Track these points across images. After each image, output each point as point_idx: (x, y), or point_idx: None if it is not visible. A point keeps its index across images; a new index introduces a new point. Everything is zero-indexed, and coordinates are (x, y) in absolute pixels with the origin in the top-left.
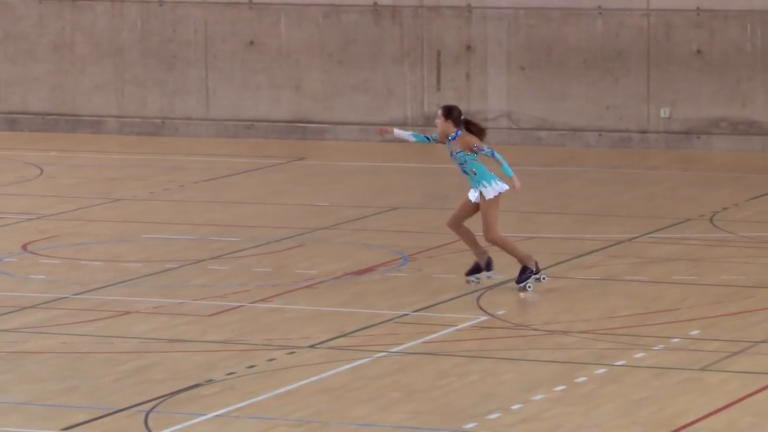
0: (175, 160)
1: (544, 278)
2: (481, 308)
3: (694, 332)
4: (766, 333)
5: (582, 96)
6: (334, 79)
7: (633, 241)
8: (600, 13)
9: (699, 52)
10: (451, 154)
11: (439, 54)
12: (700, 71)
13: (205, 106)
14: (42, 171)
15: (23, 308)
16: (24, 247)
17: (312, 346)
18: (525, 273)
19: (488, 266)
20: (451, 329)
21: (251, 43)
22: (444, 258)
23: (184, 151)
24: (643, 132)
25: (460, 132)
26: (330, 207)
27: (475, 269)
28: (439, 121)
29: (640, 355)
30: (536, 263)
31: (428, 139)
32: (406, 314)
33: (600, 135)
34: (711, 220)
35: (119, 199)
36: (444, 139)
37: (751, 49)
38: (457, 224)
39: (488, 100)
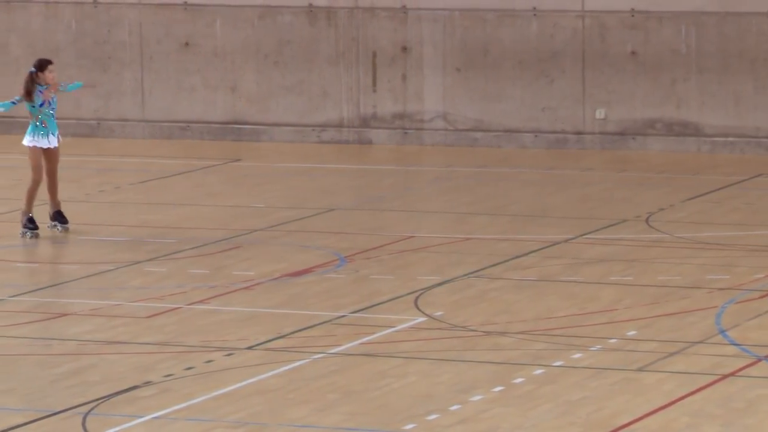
0: (110, 162)
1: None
2: (418, 309)
3: (631, 333)
4: (702, 333)
5: (517, 97)
6: (270, 80)
7: (569, 242)
8: (535, 15)
9: (634, 53)
10: (43, 104)
11: (374, 55)
12: (635, 72)
13: (140, 108)
14: None
15: None
16: None
17: (250, 348)
18: (25, 226)
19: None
20: (388, 330)
21: (186, 44)
22: (381, 259)
23: (119, 152)
24: (579, 133)
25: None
26: (266, 208)
27: (55, 218)
28: (54, 74)
29: (577, 355)
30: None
31: (14, 103)
32: (344, 315)
33: (536, 136)
34: (646, 220)
35: None
36: (31, 94)
37: (685, 50)
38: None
39: (424, 102)
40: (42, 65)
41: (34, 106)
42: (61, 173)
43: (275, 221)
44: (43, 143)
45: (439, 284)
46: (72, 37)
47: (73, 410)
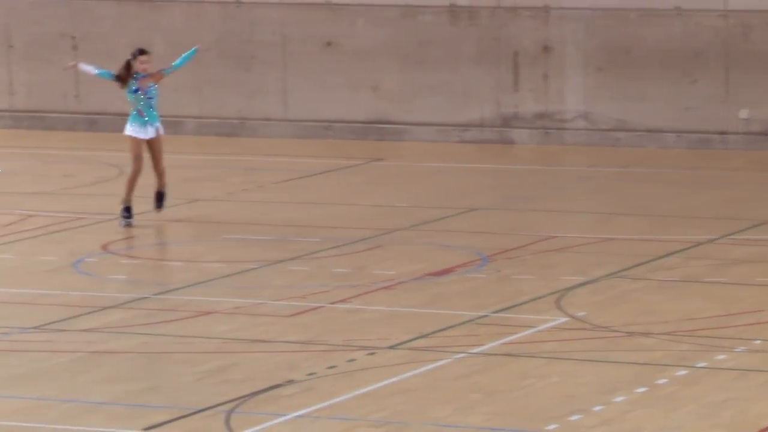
0: (254, 161)
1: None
2: (561, 309)
3: None
4: None
5: (660, 97)
6: (411, 79)
7: (713, 243)
8: (678, 14)
9: None
10: (137, 91)
11: (516, 55)
12: None
13: (283, 107)
14: (121, 171)
15: (103, 308)
16: (104, 248)
17: (392, 347)
18: (126, 211)
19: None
20: (531, 330)
21: (328, 43)
22: (523, 259)
23: (263, 151)
24: (722, 133)
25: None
26: (408, 208)
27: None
28: (148, 64)
29: (721, 356)
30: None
31: (111, 75)
32: (486, 315)
33: (678, 136)
34: None
35: (198, 200)
36: (128, 79)
37: None
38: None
39: (566, 101)
40: (135, 54)
41: (129, 92)
42: (205, 172)
43: (417, 221)
44: (141, 134)
45: (582, 284)
46: (215, 37)
47: (217, 408)
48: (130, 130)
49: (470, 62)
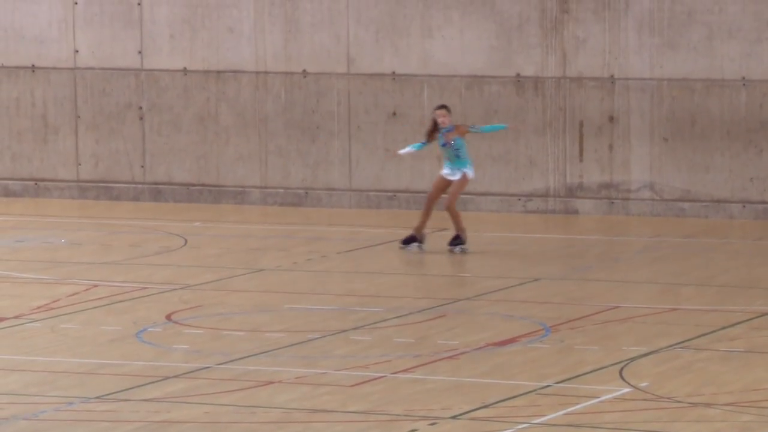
0: (318, 231)
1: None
2: (624, 380)
3: None
4: None
5: (725, 167)
6: (476, 149)
7: None
8: (744, 84)
9: None
10: (445, 144)
11: (581, 125)
12: None
13: (347, 177)
14: (186, 241)
15: (166, 378)
16: (168, 317)
17: (454, 417)
18: (456, 240)
19: (420, 240)
20: (593, 401)
21: (394, 114)
22: (586, 329)
23: (327, 221)
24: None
25: (453, 124)
26: (471, 277)
27: (410, 239)
28: (446, 117)
29: None
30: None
31: (422, 144)
32: (548, 385)
33: (744, 207)
34: None
35: (262, 269)
36: (434, 135)
37: None
38: (436, 198)
39: (631, 172)
40: (435, 109)
41: (440, 145)
42: (269, 242)
43: (480, 290)
44: (450, 176)
45: (645, 355)
46: (281, 107)
47: None
48: (444, 171)
49: (535, 132)
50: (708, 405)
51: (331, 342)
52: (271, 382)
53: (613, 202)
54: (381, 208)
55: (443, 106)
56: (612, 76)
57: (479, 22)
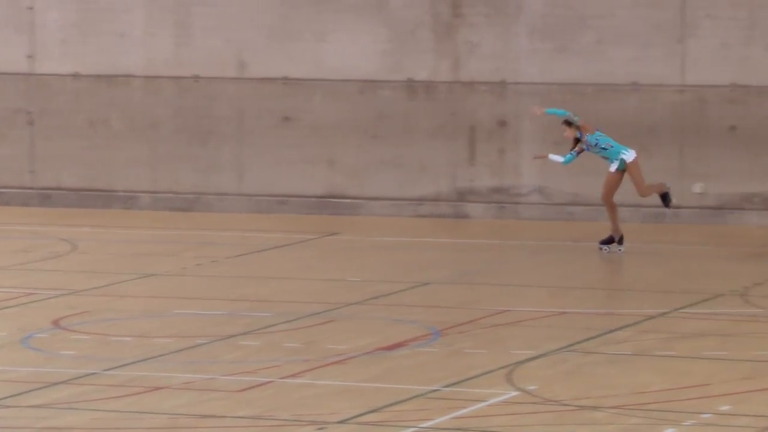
0: (208, 236)
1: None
2: (511, 383)
3: (725, 408)
4: None
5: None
6: (368, 154)
7: (664, 316)
8: (634, 89)
9: (733, 127)
10: (588, 149)
11: (472, 129)
12: (734, 147)
13: (238, 182)
14: (75, 246)
15: (53, 384)
16: (55, 323)
17: (341, 422)
18: (665, 198)
19: (620, 241)
20: (481, 404)
21: (285, 118)
22: (475, 333)
23: (217, 226)
24: (676, 207)
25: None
26: (361, 282)
27: (609, 240)
28: (567, 132)
29: (670, 430)
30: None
31: (573, 156)
32: (436, 389)
33: (632, 210)
34: (743, 295)
35: (151, 275)
36: (580, 144)
37: None
38: (609, 198)
39: (521, 176)
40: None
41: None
42: (159, 247)
43: (370, 295)
44: (612, 168)
45: (533, 358)
46: (172, 112)
47: None
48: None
49: (427, 137)
50: (595, 408)
51: (219, 347)
52: (159, 388)
53: (503, 206)
54: (272, 213)
55: (564, 122)
56: (503, 80)
57: (372, 26)
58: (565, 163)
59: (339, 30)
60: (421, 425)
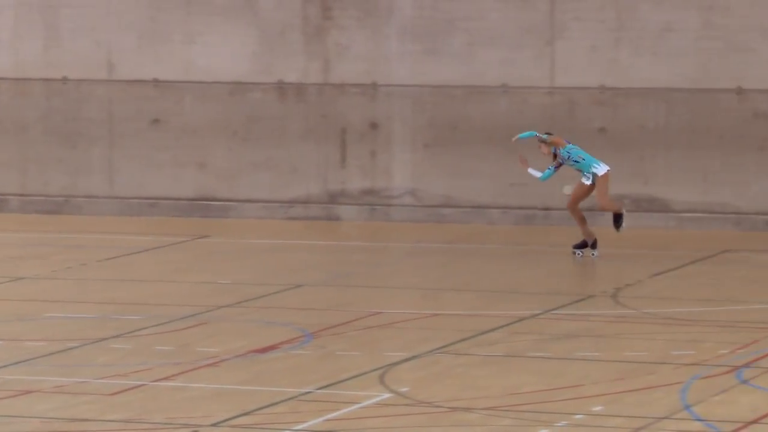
0: (78, 239)
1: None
2: (384, 385)
3: (597, 408)
4: (667, 409)
5: (486, 173)
6: (239, 156)
7: (536, 318)
8: (504, 91)
9: (602, 129)
10: (562, 163)
11: (343, 131)
12: (604, 148)
13: (108, 184)
14: None
15: None
16: None
17: (214, 425)
18: (617, 218)
19: (593, 245)
20: (354, 407)
21: (156, 120)
22: (348, 335)
23: (87, 229)
24: (547, 209)
25: (554, 147)
26: (233, 285)
27: (582, 245)
28: (543, 148)
29: (543, 431)
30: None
31: (552, 171)
32: (309, 392)
33: (504, 212)
34: (614, 296)
35: (21, 278)
36: (557, 160)
37: (653, 126)
38: (574, 206)
39: (393, 178)
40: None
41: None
42: (28, 250)
43: (242, 297)
44: (586, 181)
45: (406, 360)
46: (41, 114)
47: None
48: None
49: (298, 139)
50: (467, 409)
51: (90, 350)
52: (30, 392)
53: (375, 209)
54: (142, 216)
55: (538, 140)
56: (374, 82)
57: (242, 28)
58: (543, 179)
59: (208, 32)
60: (294, 428)
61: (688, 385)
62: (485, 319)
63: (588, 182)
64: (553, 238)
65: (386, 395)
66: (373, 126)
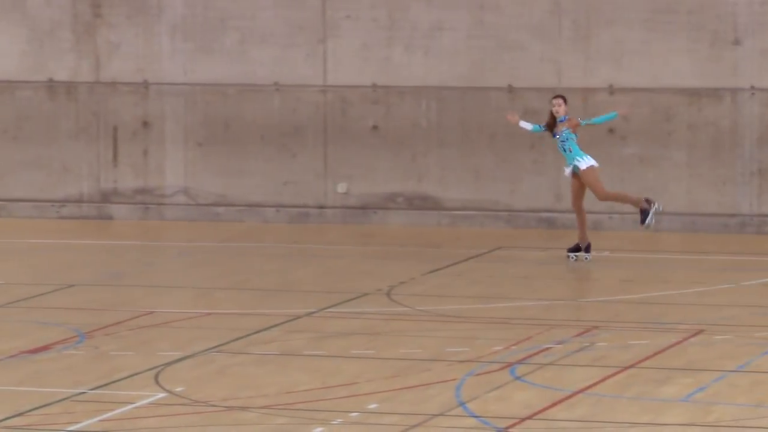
0: None
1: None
2: (159, 385)
3: (372, 406)
4: (442, 406)
5: (260, 172)
6: (8, 155)
7: (311, 316)
8: (277, 90)
9: (375, 127)
10: (555, 135)
11: (115, 130)
12: (377, 147)
13: None
14: None
15: None
16: None
17: None
18: (644, 214)
19: (587, 249)
20: (129, 407)
21: None
22: (121, 335)
23: None
24: (321, 207)
25: (567, 116)
26: (4, 285)
27: (576, 248)
28: (562, 106)
29: (318, 429)
30: (649, 200)
31: (540, 128)
32: (83, 392)
33: (278, 210)
34: (388, 294)
35: None
36: (553, 126)
37: (426, 124)
38: (577, 204)
39: (166, 176)
40: (552, 98)
41: (553, 136)
42: None
43: (13, 298)
44: (567, 173)
45: (181, 359)
46: None
47: None
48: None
49: (69, 138)
50: (243, 408)
51: None
52: None
53: (148, 207)
54: None
55: (559, 96)
56: (146, 81)
57: (10, 26)
58: (534, 130)
59: None
60: (68, 428)
61: (463, 381)
62: (260, 318)
63: (567, 171)
64: (327, 236)
65: (161, 395)
66: (145, 124)
